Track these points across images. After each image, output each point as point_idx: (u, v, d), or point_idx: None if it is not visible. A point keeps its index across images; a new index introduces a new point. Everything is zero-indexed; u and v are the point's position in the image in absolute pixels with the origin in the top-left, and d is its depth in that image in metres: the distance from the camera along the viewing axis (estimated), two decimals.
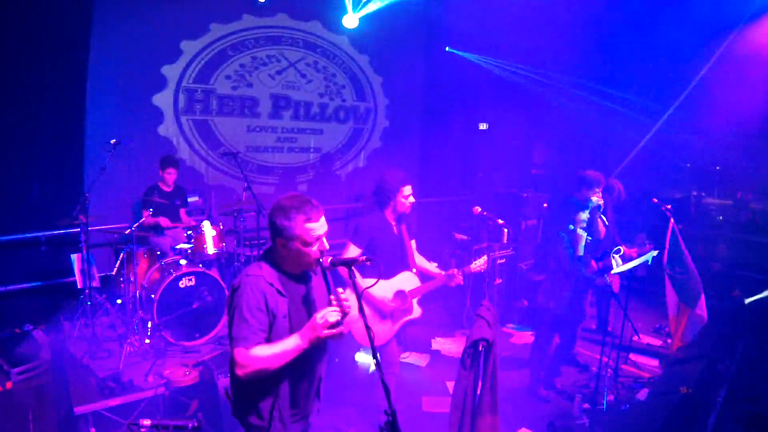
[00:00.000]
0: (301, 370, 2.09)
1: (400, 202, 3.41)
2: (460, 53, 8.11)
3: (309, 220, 2.00)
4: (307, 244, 2.01)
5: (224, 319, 4.91)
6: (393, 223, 3.47)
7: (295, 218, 1.99)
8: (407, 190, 3.40)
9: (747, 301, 4.49)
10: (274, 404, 2.04)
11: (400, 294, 3.47)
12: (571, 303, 4.07)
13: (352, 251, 3.31)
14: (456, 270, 3.52)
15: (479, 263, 3.57)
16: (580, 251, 3.99)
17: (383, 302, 3.39)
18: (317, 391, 2.24)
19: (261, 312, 1.96)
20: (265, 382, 2.01)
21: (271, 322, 1.99)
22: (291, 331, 2.00)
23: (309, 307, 2.12)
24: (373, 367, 2.83)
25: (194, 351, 4.61)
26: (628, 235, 4.84)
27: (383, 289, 3.37)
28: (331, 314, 1.92)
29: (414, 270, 3.61)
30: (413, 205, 3.50)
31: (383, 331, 3.42)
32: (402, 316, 3.50)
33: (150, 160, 5.74)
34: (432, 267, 3.72)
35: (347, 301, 1.97)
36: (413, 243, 3.68)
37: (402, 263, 3.52)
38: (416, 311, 3.56)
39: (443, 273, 3.58)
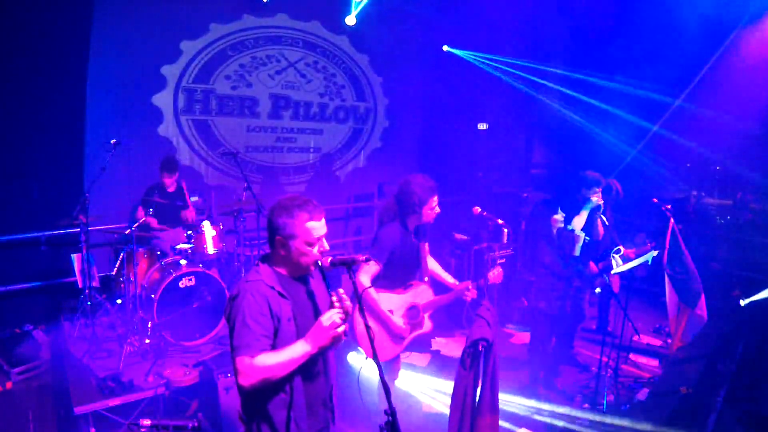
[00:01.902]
0: (313, 376, 2.04)
1: (427, 213, 3.26)
2: (458, 51, 8.09)
3: (311, 218, 1.97)
4: (309, 244, 1.98)
5: (224, 320, 4.92)
6: (411, 233, 3.35)
7: (297, 216, 1.95)
8: (435, 200, 3.25)
9: (743, 302, 4.49)
10: (289, 415, 1.95)
11: (413, 308, 3.38)
12: (564, 304, 4.08)
13: (371, 268, 3.14)
14: (471, 282, 3.36)
15: (495, 273, 3.39)
16: (577, 251, 3.98)
17: (394, 322, 3.27)
18: (330, 398, 2.17)
19: (264, 317, 1.89)
20: (277, 392, 1.94)
21: (276, 327, 1.92)
22: (298, 334, 1.95)
23: (313, 308, 2.07)
24: (360, 369, 2.81)
25: (194, 351, 4.62)
26: (629, 236, 4.85)
27: (397, 303, 3.30)
28: (337, 315, 1.89)
29: (426, 278, 3.51)
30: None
31: (393, 347, 3.33)
32: (413, 330, 3.39)
33: (150, 160, 5.73)
34: (446, 276, 3.59)
35: (348, 300, 1.95)
36: (426, 246, 3.55)
37: (416, 272, 3.44)
38: (427, 325, 3.45)
39: (457, 284, 3.46)
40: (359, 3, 6.97)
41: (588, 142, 7.15)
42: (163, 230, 5.21)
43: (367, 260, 2.12)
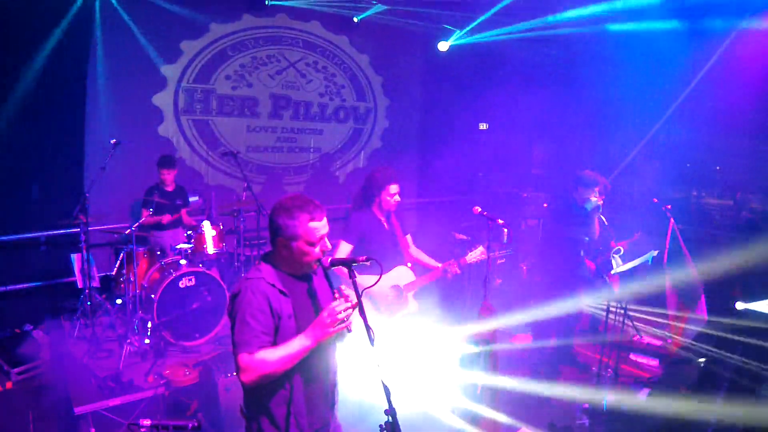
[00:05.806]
0: (313, 374, 2.04)
1: (385, 200, 3.47)
2: (457, 40, 7.99)
3: (312, 219, 1.97)
4: (311, 244, 1.98)
5: (224, 320, 4.92)
6: (382, 219, 3.52)
7: (298, 217, 1.95)
8: (393, 188, 3.45)
9: (739, 306, 4.48)
10: (289, 411, 1.97)
11: (395, 288, 3.50)
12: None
13: (344, 248, 3.38)
14: (453, 260, 3.56)
15: (476, 254, 3.58)
16: (595, 234, 4.01)
17: (380, 297, 3.40)
18: (333, 398, 2.17)
19: (264, 314, 1.91)
20: (277, 388, 1.95)
21: (276, 324, 1.94)
22: (298, 331, 1.96)
23: (314, 305, 2.08)
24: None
25: (194, 351, 4.62)
26: (628, 235, 4.84)
27: (379, 284, 3.38)
28: (338, 310, 1.90)
29: (408, 264, 3.63)
30: (415, 205, 3.52)
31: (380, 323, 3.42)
32: (398, 311, 3.52)
33: (150, 160, 5.72)
34: (431, 261, 3.73)
35: (352, 295, 1.96)
36: (409, 237, 3.72)
37: (396, 258, 3.56)
38: (412, 306, 3.57)
39: (440, 265, 3.61)
40: (371, 10, 6.93)
41: (589, 142, 7.15)
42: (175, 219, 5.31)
43: (368, 260, 2.12)
